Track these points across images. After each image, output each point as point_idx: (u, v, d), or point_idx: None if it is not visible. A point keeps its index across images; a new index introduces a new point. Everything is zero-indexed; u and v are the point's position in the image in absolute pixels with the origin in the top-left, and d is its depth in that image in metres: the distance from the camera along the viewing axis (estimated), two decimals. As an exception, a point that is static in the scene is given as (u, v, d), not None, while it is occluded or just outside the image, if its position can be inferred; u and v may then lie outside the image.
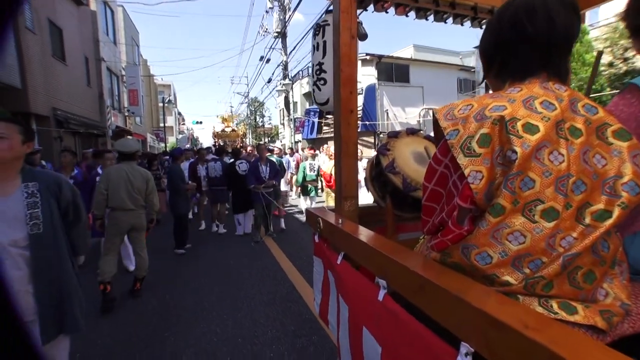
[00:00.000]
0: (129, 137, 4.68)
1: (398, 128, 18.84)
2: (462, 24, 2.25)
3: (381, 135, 18.12)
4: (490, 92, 1.04)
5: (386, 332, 1.12)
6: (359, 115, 17.86)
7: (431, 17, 2.17)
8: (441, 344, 0.87)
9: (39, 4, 10.11)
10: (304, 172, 8.79)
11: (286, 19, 16.04)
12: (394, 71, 19.43)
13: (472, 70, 21.18)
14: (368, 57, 18.54)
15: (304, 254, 6.07)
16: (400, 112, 19.38)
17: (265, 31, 17.87)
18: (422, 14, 2.13)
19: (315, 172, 8.80)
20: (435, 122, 0.98)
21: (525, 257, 0.83)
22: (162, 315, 4.03)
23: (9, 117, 2.06)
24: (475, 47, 20.32)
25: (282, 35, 16.59)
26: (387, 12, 2.08)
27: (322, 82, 2.17)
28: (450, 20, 2.21)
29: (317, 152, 11.02)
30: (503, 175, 0.83)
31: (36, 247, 1.92)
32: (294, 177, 10.52)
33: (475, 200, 0.86)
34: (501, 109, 0.86)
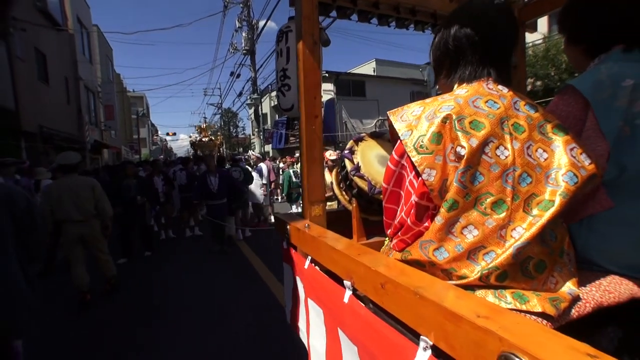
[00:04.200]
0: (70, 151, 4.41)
1: (357, 137, 18.93)
2: (423, 31, 2.18)
3: (341, 145, 18.22)
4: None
5: (356, 332, 1.06)
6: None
7: (393, 24, 2.09)
8: (403, 340, 0.82)
9: (27, 34, 10.53)
10: (289, 180, 8.24)
11: (254, 38, 15.87)
12: (351, 87, 19.66)
13: (424, 83, 21.62)
14: (327, 75, 18.61)
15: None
16: (358, 124, 19.61)
17: (235, 49, 17.61)
18: (384, 21, 2.05)
19: (300, 179, 8.37)
20: (391, 124, 0.95)
21: (480, 249, 0.80)
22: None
23: None
24: (427, 63, 20.84)
25: (250, 52, 16.39)
26: (350, 19, 1.99)
27: (286, 87, 2.05)
28: (412, 27, 2.14)
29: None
30: (455, 171, 0.81)
31: None
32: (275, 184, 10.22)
33: (431, 197, 0.83)
34: (449, 108, 0.84)
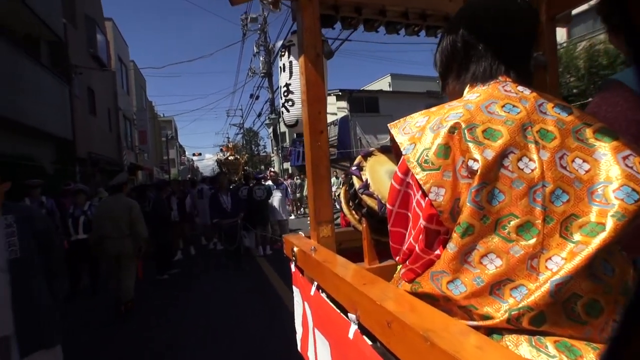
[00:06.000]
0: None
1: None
2: (435, 36, 1.93)
3: (356, 160, 17.98)
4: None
5: None
6: (334, 145, 17.83)
7: (402, 31, 1.89)
8: None
9: (82, 76, 11.88)
10: None
11: (271, 61, 16.13)
12: (364, 103, 19.47)
13: (441, 95, 21.08)
14: (340, 93, 18.54)
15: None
16: (373, 139, 19.29)
17: (254, 73, 18.05)
18: (392, 28, 1.85)
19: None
20: (392, 138, 0.79)
21: (506, 282, 0.62)
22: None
23: None
24: None
25: (268, 75, 16.66)
26: (355, 29, 1.81)
27: (289, 103, 1.92)
28: (423, 33, 1.92)
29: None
30: (468, 189, 0.64)
31: (15, 269, 1.93)
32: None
33: (440, 219, 0.67)
34: (458, 116, 0.68)
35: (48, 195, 5.57)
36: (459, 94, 0.83)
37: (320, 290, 1.26)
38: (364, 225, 1.57)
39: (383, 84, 24.23)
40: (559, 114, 0.68)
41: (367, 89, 23.21)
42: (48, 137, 9.23)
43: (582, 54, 9.55)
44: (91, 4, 14.21)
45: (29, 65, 8.09)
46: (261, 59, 16.38)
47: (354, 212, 1.67)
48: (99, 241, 4.19)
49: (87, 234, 4.88)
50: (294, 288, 1.64)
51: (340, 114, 18.81)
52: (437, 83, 23.23)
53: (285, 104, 1.94)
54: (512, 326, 0.62)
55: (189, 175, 33.02)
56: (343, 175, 11.75)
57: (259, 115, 23.04)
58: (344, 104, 18.93)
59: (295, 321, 1.70)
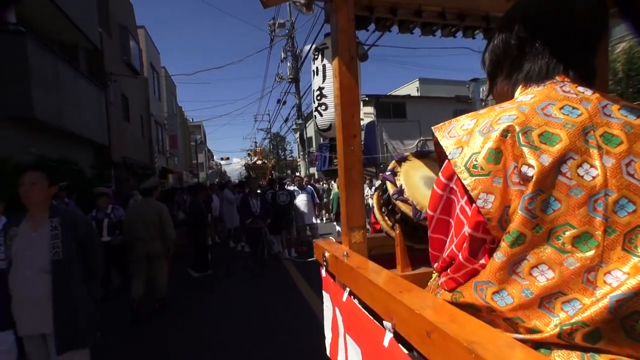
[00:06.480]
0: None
1: (399, 158, 18.32)
2: (473, 37, 1.87)
3: (382, 166, 17.82)
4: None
5: None
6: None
7: (438, 33, 1.83)
8: None
9: (117, 83, 12.44)
10: (338, 199, 8.20)
11: (298, 66, 16.34)
12: (391, 109, 19.30)
13: (469, 100, 20.47)
14: (367, 98, 18.50)
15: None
16: (399, 145, 19.05)
17: (281, 78, 18.39)
18: (428, 29, 1.79)
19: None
20: (436, 141, 0.76)
21: (557, 296, 0.59)
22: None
23: (37, 166, 2.22)
24: (472, 79, 19.54)
25: (295, 80, 16.88)
26: (390, 31, 1.75)
27: (323, 107, 1.91)
28: (460, 34, 1.84)
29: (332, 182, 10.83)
30: (520, 196, 0.61)
31: (57, 270, 2.05)
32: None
33: (488, 227, 0.64)
34: (511, 118, 0.64)
35: (78, 198, 5.87)
36: (508, 96, 0.79)
37: (352, 297, 1.24)
38: (397, 231, 1.55)
39: (411, 88, 23.91)
40: (627, 116, 0.63)
41: (394, 93, 22.96)
42: (86, 142, 9.76)
43: (621, 55, 9.05)
44: (125, 13, 14.87)
45: (69, 73, 8.56)
46: (288, 64, 16.69)
47: (387, 217, 1.66)
48: (131, 242, 4.39)
49: (111, 237, 5.03)
50: (324, 293, 1.63)
51: (367, 120, 18.77)
52: (466, 87, 22.59)
53: (319, 108, 1.94)
54: (563, 341, 0.59)
55: (217, 179, 33.88)
56: (368, 181, 11.69)
57: (286, 120, 23.44)
58: (370, 109, 18.87)
59: (325, 326, 1.68)
